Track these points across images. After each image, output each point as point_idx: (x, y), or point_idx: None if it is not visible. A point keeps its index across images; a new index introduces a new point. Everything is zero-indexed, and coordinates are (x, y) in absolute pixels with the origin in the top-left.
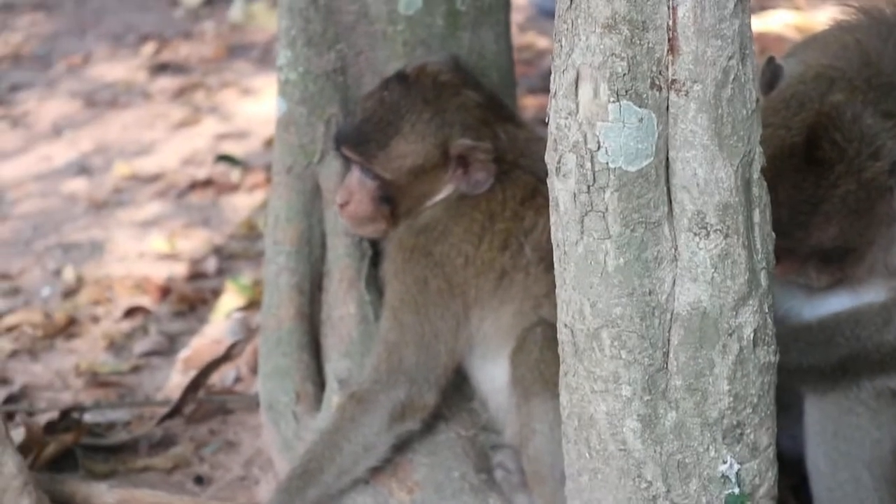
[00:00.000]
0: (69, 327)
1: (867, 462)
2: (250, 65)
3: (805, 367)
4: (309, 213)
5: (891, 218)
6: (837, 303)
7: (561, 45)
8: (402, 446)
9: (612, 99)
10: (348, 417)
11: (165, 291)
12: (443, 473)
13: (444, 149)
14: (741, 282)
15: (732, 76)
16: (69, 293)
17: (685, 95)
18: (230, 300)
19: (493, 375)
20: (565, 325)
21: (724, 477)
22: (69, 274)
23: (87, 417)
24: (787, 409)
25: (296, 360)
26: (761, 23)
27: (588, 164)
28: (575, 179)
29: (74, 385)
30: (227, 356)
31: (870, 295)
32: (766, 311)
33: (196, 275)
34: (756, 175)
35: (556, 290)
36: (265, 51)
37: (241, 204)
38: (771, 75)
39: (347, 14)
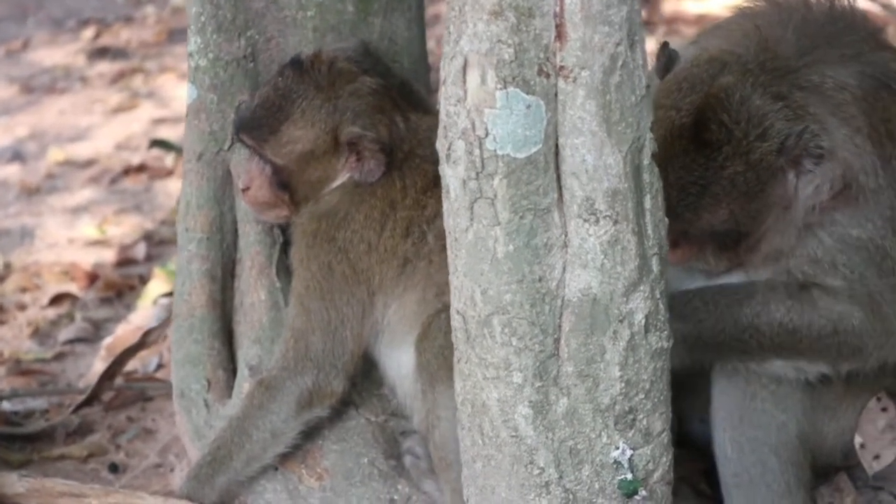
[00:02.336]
0: None
1: (773, 446)
2: None
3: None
4: (220, 200)
5: (786, 201)
6: None
7: (449, 33)
8: (311, 433)
9: (499, 86)
10: (256, 405)
11: (93, 278)
12: (352, 460)
13: (334, 135)
14: (631, 268)
15: (620, 62)
16: None
17: (573, 82)
18: (158, 286)
19: (399, 362)
20: (457, 312)
21: (617, 463)
22: None
23: (6, 406)
24: (698, 393)
25: (207, 348)
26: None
27: (477, 151)
28: (464, 166)
29: None
30: (141, 344)
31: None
32: (658, 296)
33: (125, 261)
34: (647, 161)
35: (450, 277)
36: None
37: (175, 189)
38: (666, 60)
39: (257, 0)
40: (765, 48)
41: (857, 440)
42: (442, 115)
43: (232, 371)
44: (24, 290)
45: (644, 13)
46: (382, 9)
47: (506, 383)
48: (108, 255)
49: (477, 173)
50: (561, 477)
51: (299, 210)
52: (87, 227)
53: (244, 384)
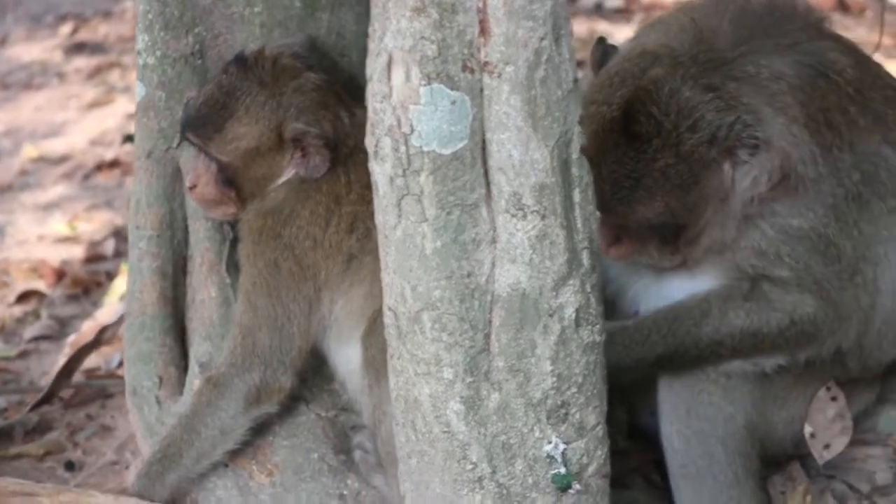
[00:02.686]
0: None
1: (720, 437)
2: None
3: (623, 367)
4: (170, 198)
5: (723, 193)
6: (678, 286)
7: (374, 30)
8: (262, 429)
9: (423, 82)
10: (205, 402)
11: (61, 275)
12: (302, 455)
13: (279, 132)
14: (560, 262)
15: (545, 57)
16: None
17: (498, 77)
18: (124, 283)
19: (347, 357)
20: (389, 309)
21: (550, 457)
22: None
23: None
24: (649, 387)
25: (159, 345)
26: None
27: (402, 148)
28: (391, 163)
29: None
30: (97, 341)
31: (706, 277)
32: (589, 290)
33: (94, 257)
34: (575, 155)
35: (381, 274)
36: None
37: None
38: (601, 55)
39: None
40: (700, 40)
41: (808, 429)
42: (369, 112)
43: (184, 368)
44: None
45: (622, 0)
46: (330, 4)
47: (437, 379)
48: (78, 252)
49: (403, 170)
50: (494, 472)
51: (246, 207)
52: (58, 224)
53: (195, 381)
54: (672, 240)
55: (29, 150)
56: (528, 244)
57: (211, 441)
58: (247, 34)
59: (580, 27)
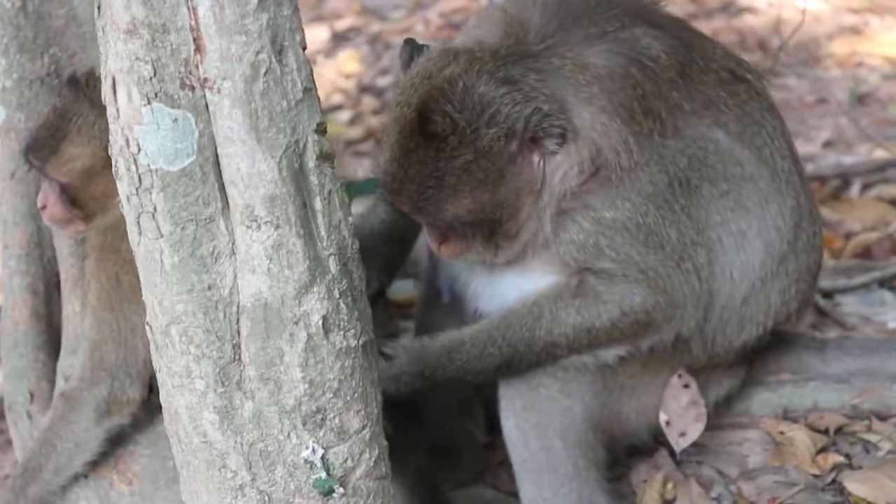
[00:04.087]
0: None
1: (557, 430)
2: None
3: (466, 379)
4: (36, 216)
5: (534, 186)
6: (511, 282)
7: (100, 53)
8: (124, 439)
9: (143, 102)
10: (59, 416)
11: None
12: (159, 463)
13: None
14: (300, 270)
15: (264, 70)
16: None
17: (218, 93)
18: None
19: None
20: (147, 324)
21: (309, 462)
22: None
23: None
24: None
25: (32, 361)
26: None
27: (133, 167)
28: (126, 182)
29: None
30: None
31: (536, 273)
32: (338, 296)
33: None
34: (312, 164)
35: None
36: None
37: None
38: (408, 55)
39: (57, 18)
40: (508, 34)
41: (663, 417)
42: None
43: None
44: None
45: None
46: None
47: (190, 390)
48: None
49: (136, 188)
50: (254, 479)
51: (92, 224)
52: None
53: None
54: (492, 236)
55: None
56: (264, 255)
57: (67, 454)
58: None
59: None
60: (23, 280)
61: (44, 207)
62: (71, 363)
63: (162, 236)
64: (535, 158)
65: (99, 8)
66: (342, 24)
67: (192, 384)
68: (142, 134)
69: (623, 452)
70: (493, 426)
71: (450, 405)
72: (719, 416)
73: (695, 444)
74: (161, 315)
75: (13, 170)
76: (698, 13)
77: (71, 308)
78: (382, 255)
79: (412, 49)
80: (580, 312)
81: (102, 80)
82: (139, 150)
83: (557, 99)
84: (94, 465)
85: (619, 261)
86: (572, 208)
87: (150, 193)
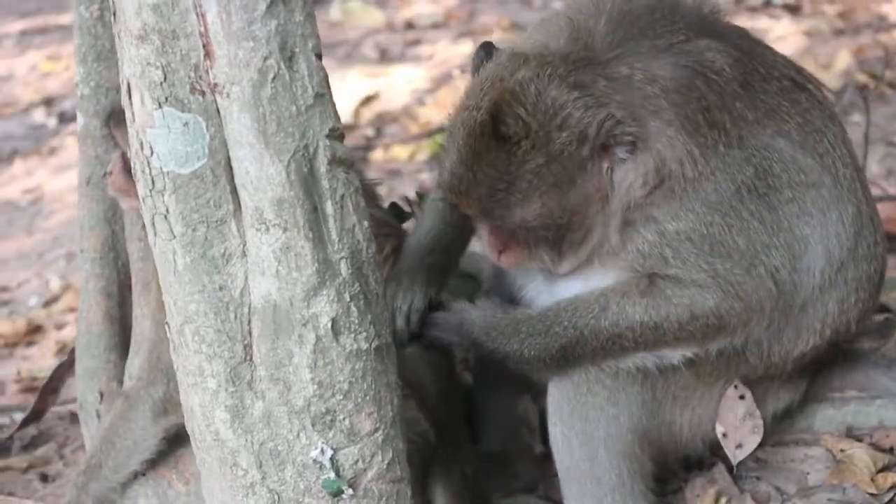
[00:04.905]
0: (32, 335)
1: (603, 439)
2: (333, 63)
3: (527, 356)
4: (111, 221)
5: (602, 193)
6: (567, 288)
7: (118, 59)
8: (182, 440)
9: (155, 106)
10: (118, 415)
11: None
12: None
13: None
14: (309, 273)
15: (272, 76)
16: (49, 302)
17: (227, 97)
18: None
19: None
20: (167, 324)
21: (318, 463)
22: (55, 283)
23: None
24: None
25: (104, 362)
26: None
27: (147, 169)
28: (142, 184)
29: (10, 390)
30: (72, 359)
31: (598, 280)
32: (349, 299)
33: None
34: (324, 168)
35: None
36: (354, 46)
37: None
38: (481, 59)
39: None
40: (575, 40)
41: (719, 429)
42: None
43: None
44: (71, 310)
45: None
46: None
47: (203, 389)
48: None
49: (150, 190)
50: (264, 478)
51: None
52: None
53: None
54: (557, 243)
55: None
56: (273, 257)
57: (125, 452)
58: None
59: (740, 24)
60: (97, 283)
61: (110, 173)
62: (138, 364)
63: (174, 237)
64: (605, 165)
65: (115, 14)
66: (490, 39)
67: (205, 383)
68: (154, 137)
69: (678, 465)
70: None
71: (508, 414)
72: (782, 431)
73: (756, 460)
74: (176, 314)
75: (89, 175)
76: (845, 28)
77: (139, 310)
78: (426, 268)
79: (486, 53)
80: (647, 311)
81: (121, 85)
82: (152, 152)
83: (626, 106)
84: (154, 463)
85: (687, 269)
86: (637, 219)
87: (163, 195)
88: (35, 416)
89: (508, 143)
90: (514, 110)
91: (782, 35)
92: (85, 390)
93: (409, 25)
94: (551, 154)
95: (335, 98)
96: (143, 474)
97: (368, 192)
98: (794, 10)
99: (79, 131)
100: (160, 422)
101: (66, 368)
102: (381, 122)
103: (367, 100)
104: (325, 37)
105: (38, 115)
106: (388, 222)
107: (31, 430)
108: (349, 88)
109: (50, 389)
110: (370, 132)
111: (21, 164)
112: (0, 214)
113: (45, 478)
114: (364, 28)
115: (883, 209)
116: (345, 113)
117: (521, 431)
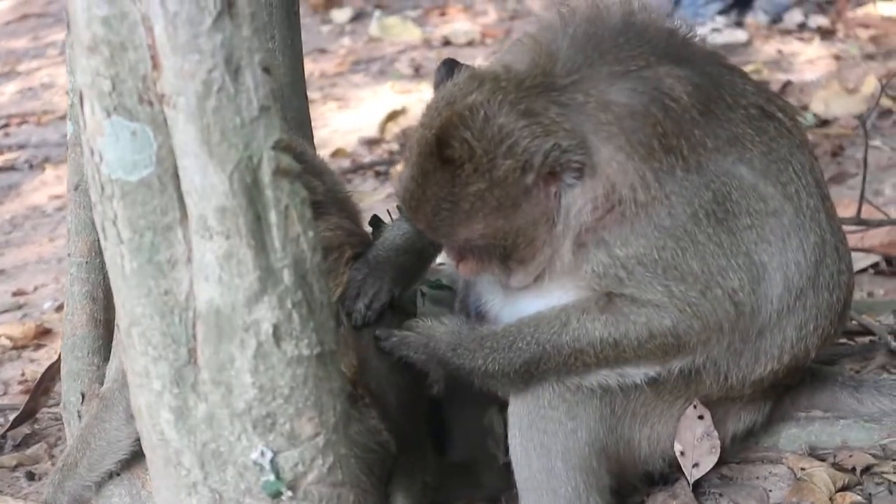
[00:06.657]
0: (40, 338)
1: (561, 452)
2: (368, 78)
3: (491, 371)
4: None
5: (548, 216)
6: (528, 303)
7: (70, 69)
8: None
9: (104, 115)
10: (94, 415)
11: None
12: None
13: None
14: (251, 280)
15: (217, 88)
16: (62, 306)
17: (174, 108)
18: None
19: None
20: (117, 326)
21: (258, 465)
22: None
23: None
24: None
25: (87, 364)
26: None
27: (97, 176)
28: (93, 190)
29: (14, 391)
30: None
31: (559, 296)
32: (291, 306)
33: None
34: (268, 178)
35: None
36: (389, 62)
37: None
38: (442, 75)
39: None
40: (535, 64)
41: (678, 447)
42: None
43: None
44: None
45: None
46: None
47: (149, 390)
48: None
49: (100, 196)
50: (206, 478)
51: None
52: None
53: None
54: (505, 260)
55: None
56: (216, 263)
57: (99, 451)
58: None
59: (771, 47)
60: (83, 287)
61: None
62: (115, 365)
63: (122, 242)
64: (552, 190)
65: (68, 25)
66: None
67: (151, 384)
68: (103, 145)
69: (639, 480)
70: None
71: (475, 425)
72: (747, 449)
73: (720, 477)
74: (124, 316)
75: (77, 181)
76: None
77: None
78: (397, 265)
79: (448, 69)
80: (607, 328)
81: (73, 95)
82: (101, 159)
83: (578, 135)
84: (128, 464)
85: (642, 290)
86: (589, 241)
87: (112, 201)
88: (27, 415)
89: (453, 166)
90: (460, 133)
91: (812, 59)
92: (68, 391)
93: (446, 42)
94: (495, 180)
95: (365, 112)
96: (118, 474)
97: (340, 202)
98: (827, 34)
99: (69, 140)
100: (133, 423)
101: (56, 370)
102: (406, 137)
103: (394, 114)
104: (363, 52)
105: None
106: (356, 232)
107: (25, 430)
108: (380, 103)
109: (41, 390)
110: (395, 146)
111: (52, 171)
112: (26, 220)
113: (31, 476)
114: (401, 44)
115: (887, 233)
116: (372, 127)
117: (486, 441)
